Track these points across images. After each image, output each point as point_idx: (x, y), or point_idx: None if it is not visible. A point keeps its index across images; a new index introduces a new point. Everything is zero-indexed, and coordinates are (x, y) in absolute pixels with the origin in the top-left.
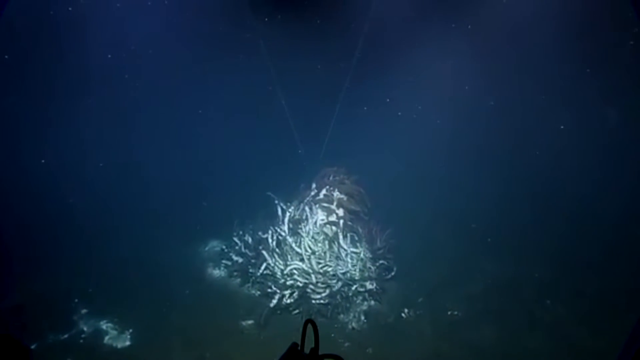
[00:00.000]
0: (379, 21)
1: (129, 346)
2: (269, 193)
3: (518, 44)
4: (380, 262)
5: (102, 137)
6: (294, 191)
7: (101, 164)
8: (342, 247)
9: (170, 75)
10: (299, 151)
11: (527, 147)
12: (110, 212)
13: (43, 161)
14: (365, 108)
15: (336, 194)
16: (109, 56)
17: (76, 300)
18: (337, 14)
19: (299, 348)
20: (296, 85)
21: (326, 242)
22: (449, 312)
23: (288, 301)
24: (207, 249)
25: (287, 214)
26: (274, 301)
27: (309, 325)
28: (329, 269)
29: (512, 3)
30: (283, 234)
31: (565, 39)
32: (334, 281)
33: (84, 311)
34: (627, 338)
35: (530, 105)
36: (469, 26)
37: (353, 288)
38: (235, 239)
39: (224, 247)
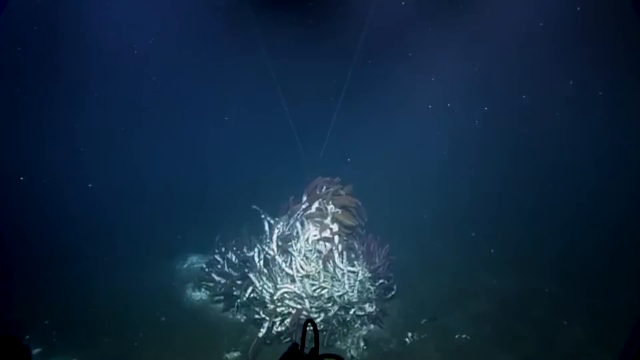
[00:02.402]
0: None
1: None
2: (255, 206)
3: (519, 47)
4: (380, 281)
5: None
6: (282, 204)
7: (90, 185)
8: (338, 267)
9: (165, 77)
10: (348, 159)
11: (532, 150)
12: (72, 221)
13: (22, 179)
14: (429, 106)
15: (330, 207)
16: (135, 52)
17: (27, 336)
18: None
19: (299, 348)
20: (296, 88)
21: (320, 261)
22: (456, 336)
23: (279, 329)
24: (185, 266)
25: (276, 230)
26: (263, 330)
27: (309, 326)
28: (324, 292)
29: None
30: (271, 252)
31: (567, 41)
32: (330, 304)
33: (36, 351)
34: (627, 339)
35: (535, 106)
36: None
37: (351, 312)
38: (217, 257)
39: (204, 265)
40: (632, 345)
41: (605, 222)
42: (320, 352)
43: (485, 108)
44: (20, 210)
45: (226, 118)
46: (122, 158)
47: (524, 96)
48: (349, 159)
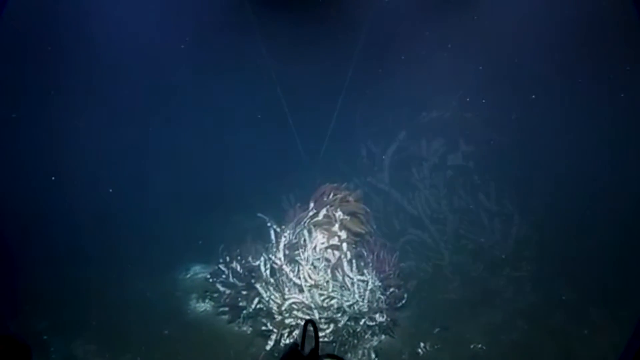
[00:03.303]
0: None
1: None
2: (260, 214)
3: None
4: (391, 289)
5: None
6: (288, 210)
7: (111, 190)
8: (347, 275)
9: (165, 78)
10: (383, 157)
11: (546, 143)
12: (81, 225)
13: (53, 178)
14: (483, 100)
15: (338, 214)
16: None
17: None
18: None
19: (299, 348)
20: (298, 87)
21: (328, 270)
22: (471, 345)
23: (287, 341)
24: (188, 276)
25: (282, 238)
26: (271, 342)
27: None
28: (333, 301)
29: None
30: (278, 261)
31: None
32: (339, 315)
33: None
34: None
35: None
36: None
37: (361, 322)
38: (222, 267)
39: (208, 275)
40: (633, 344)
41: (620, 223)
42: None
43: (533, 96)
44: (39, 211)
45: (259, 116)
46: (137, 162)
47: (533, 96)
48: (383, 157)
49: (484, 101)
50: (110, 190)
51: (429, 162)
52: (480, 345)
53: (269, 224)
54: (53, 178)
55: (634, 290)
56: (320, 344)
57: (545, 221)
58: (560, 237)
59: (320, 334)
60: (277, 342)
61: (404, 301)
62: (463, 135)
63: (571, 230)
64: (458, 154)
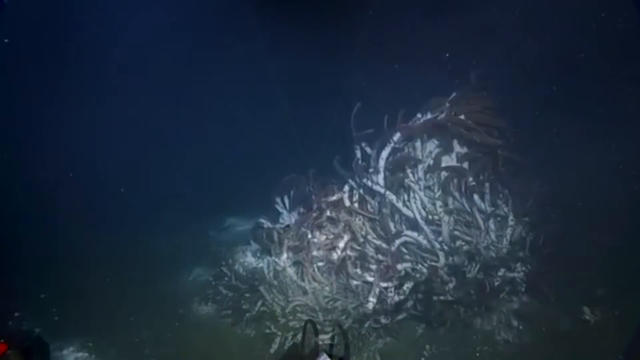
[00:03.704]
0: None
1: None
2: (263, 216)
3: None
4: (395, 291)
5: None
6: (291, 212)
7: (123, 190)
8: (351, 277)
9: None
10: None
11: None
12: (66, 228)
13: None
14: (498, 96)
15: (342, 215)
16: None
17: None
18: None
19: (300, 348)
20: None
21: (332, 272)
22: (477, 348)
23: (291, 344)
24: (191, 278)
25: (286, 240)
26: (275, 345)
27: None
28: (337, 304)
29: None
30: (282, 264)
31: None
32: (344, 317)
33: None
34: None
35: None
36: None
37: (366, 325)
38: (224, 269)
39: (210, 278)
40: (635, 345)
41: (620, 223)
42: None
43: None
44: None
45: (265, 115)
46: (138, 164)
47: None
48: (380, 158)
49: (499, 96)
50: (123, 190)
51: (424, 164)
52: (486, 348)
53: (272, 226)
54: (71, 174)
55: (634, 291)
56: (321, 345)
57: (542, 222)
58: (558, 237)
59: (325, 336)
60: (281, 345)
61: (407, 303)
62: (457, 136)
63: (569, 230)
64: (452, 155)
